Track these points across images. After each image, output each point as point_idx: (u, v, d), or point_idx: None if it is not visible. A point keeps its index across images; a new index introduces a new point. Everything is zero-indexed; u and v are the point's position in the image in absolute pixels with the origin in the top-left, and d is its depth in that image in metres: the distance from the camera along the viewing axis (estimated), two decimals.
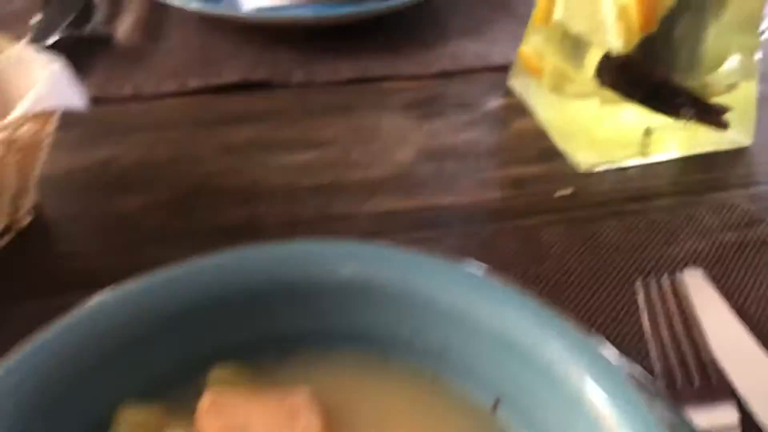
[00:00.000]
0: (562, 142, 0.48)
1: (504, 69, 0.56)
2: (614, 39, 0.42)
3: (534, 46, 0.50)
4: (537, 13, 0.50)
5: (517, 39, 0.59)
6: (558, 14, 0.46)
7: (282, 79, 0.54)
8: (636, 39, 0.42)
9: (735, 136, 0.47)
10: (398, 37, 0.60)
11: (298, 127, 0.49)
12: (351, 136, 0.49)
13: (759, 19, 0.44)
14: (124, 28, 0.60)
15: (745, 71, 0.45)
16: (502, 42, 0.59)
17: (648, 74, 0.43)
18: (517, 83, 0.53)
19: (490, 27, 0.61)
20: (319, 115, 0.51)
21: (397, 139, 0.48)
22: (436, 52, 0.58)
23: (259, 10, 0.60)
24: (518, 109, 0.51)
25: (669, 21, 0.42)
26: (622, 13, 0.41)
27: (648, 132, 0.46)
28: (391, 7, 0.58)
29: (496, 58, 0.57)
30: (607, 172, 0.45)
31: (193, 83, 0.53)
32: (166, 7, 0.60)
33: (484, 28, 0.61)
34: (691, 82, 0.44)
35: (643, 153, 0.46)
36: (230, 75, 0.54)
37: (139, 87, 0.53)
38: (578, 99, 0.46)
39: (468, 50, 0.58)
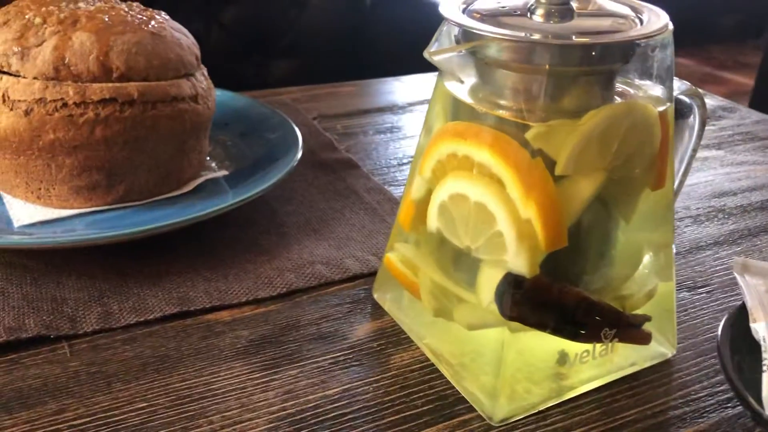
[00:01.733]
0: (448, 379, 0.37)
1: (363, 278, 0.45)
2: (516, 260, 0.32)
3: (402, 255, 0.40)
4: (402, 214, 0.40)
5: (374, 236, 0.49)
6: (432, 223, 0.36)
7: (67, 330, 0.39)
8: (541, 257, 0.33)
9: (657, 348, 0.39)
10: (222, 247, 0.47)
11: (91, 408, 0.34)
12: (170, 410, 0.34)
13: (670, 214, 0.37)
14: None
15: (661, 272, 0.37)
16: (356, 242, 0.48)
17: (559, 297, 0.34)
18: (386, 299, 0.42)
19: (338, 223, 0.51)
20: (122, 380, 0.36)
21: (238, 408, 0.35)
22: (276, 263, 0.46)
23: (28, 227, 0.45)
24: (394, 335, 0.40)
25: (576, 232, 0.33)
26: (524, 230, 0.32)
27: (562, 360, 0.36)
28: (209, 212, 0.45)
29: (352, 265, 0.46)
30: (525, 421, 0.35)
31: None
32: None
33: (330, 225, 0.51)
34: (605, 297, 0.35)
35: (560, 389, 0.36)
36: None
37: None
38: (474, 328, 0.36)
39: (315, 257, 0.46)
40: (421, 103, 0.76)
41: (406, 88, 0.81)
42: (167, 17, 0.52)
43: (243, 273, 0.44)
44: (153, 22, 0.49)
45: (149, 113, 0.46)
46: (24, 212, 0.46)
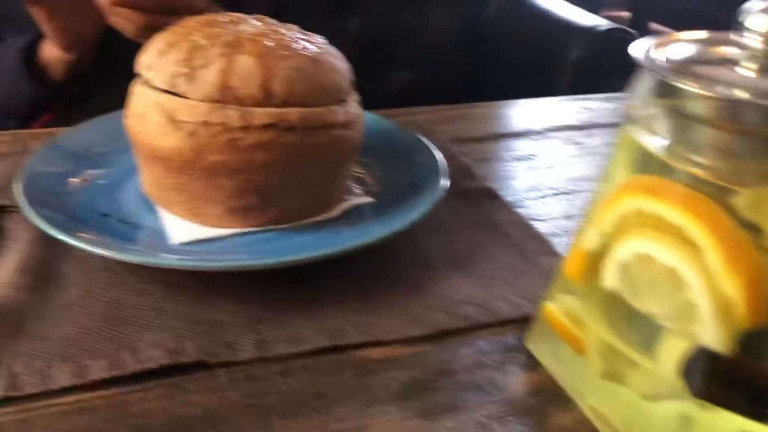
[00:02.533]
0: None
1: (515, 323, 0.43)
2: (711, 334, 0.30)
3: (565, 306, 0.38)
4: (570, 264, 0.38)
5: (522, 278, 0.47)
6: (610, 280, 0.34)
7: (225, 357, 0.39)
8: (738, 334, 0.30)
9: None
10: (368, 277, 0.47)
11: None
12: None
13: None
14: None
15: None
16: (504, 282, 0.47)
17: (753, 376, 0.31)
18: (543, 351, 0.40)
19: (483, 259, 0.49)
20: (279, 415, 0.36)
21: None
22: (424, 300, 0.45)
23: (185, 245, 0.46)
24: (552, 392, 0.38)
25: None
26: (724, 303, 0.29)
27: None
28: (363, 243, 0.45)
29: (503, 308, 0.44)
30: None
31: (96, 370, 0.37)
32: (59, 245, 0.45)
33: (475, 260, 0.49)
34: None
35: None
36: (150, 354, 0.39)
37: (12, 382, 0.36)
38: (650, 399, 0.34)
39: (463, 296, 0.45)
40: (559, 129, 0.74)
41: (540, 112, 0.79)
42: (324, 41, 0.52)
43: (391, 308, 0.44)
44: (312, 47, 0.49)
45: (307, 140, 0.46)
46: (181, 230, 0.47)
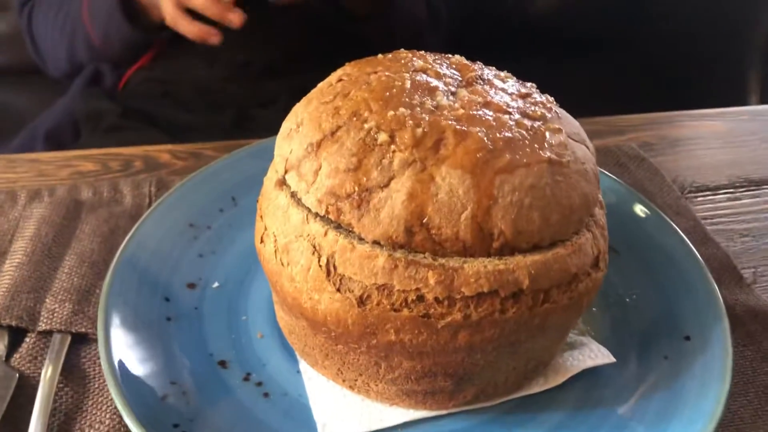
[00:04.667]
0: None
1: None
2: None
3: None
4: None
5: None
6: None
7: None
8: None
9: None
10: None
11: None
12: None
13: None
14: None
15: None
16: None
17: None
18: None
19: None
20: None
21: None
22: None
23: None
24: None
25: None
26: None
27: None
28: None
29: None
30: None
31: None
32: None
33: None
34: None
35: None
36: None
37: None
38: None
39: None
40: None
41: None
42: (553, 104, 0.33)
43: None
44: (547, 132, 0.30)
45: (539, 309, 0.29)
46: (335, 417, 0.32)
